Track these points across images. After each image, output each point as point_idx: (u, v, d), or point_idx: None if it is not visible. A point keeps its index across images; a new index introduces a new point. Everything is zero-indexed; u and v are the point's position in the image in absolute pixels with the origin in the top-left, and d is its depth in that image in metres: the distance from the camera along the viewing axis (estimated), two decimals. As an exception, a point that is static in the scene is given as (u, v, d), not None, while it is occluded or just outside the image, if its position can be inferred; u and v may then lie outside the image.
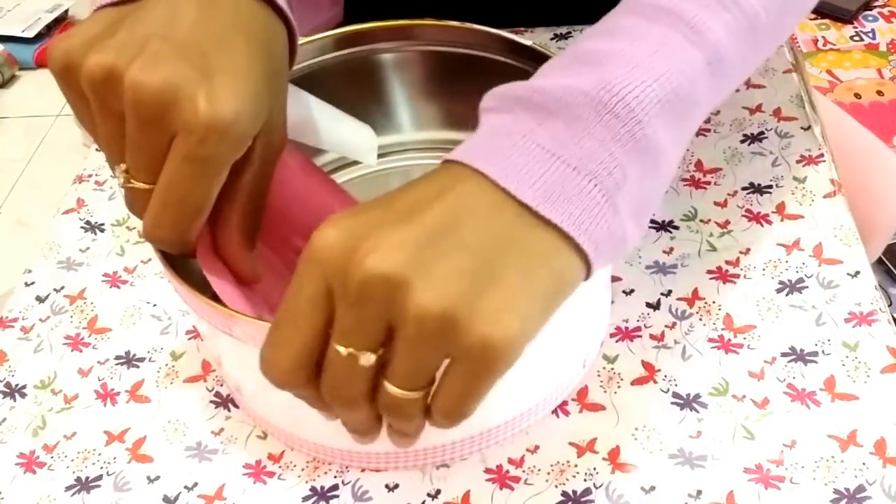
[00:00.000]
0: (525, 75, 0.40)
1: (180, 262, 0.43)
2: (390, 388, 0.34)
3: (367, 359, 0.33)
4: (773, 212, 0.58)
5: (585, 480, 0.47)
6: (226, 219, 0.42)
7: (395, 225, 0.33)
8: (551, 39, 0.72)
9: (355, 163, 0.61)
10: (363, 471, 0.49)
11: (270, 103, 0.41)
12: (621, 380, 0.51)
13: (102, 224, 0.65)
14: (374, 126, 0.61)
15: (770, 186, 0.60)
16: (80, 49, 0.38)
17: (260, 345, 0.42)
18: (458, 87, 0.58)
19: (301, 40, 0.54)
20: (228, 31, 0.39)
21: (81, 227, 0.64)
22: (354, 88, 0.59)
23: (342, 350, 0.33)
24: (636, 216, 0.36)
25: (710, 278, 0.55)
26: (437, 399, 0.34)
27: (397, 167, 0.62)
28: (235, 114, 0.38)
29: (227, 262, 0.43)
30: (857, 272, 0.54)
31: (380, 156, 0.61)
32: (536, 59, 0.51)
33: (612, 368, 0.51)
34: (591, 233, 0.34)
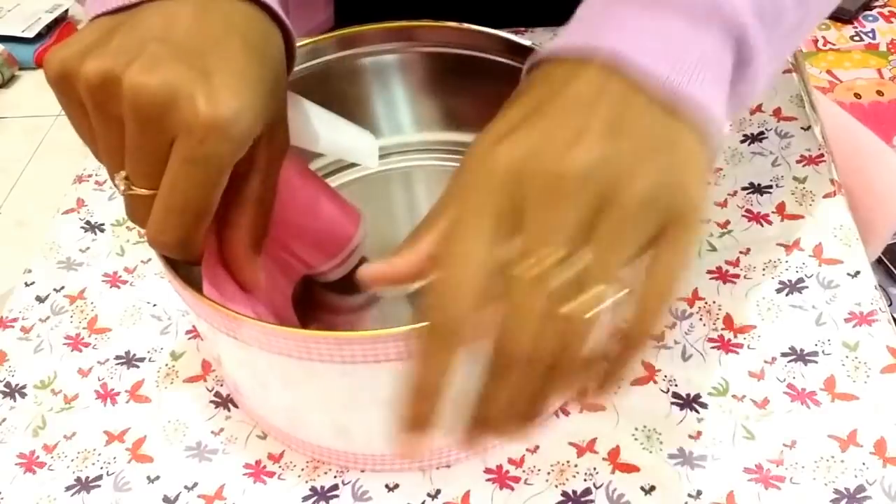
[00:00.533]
0: None
1: (181, 264, 0.43)
2: (592, 292, 0.33)
3: (582, 256, 0.32)
4: (773, 212, 0.58)
5: (585, 480, 0.47)
6: (234, 225, 0.42)
7: (575, 122, 0.33)
8: (551, 39, 0.71)
9: (355, 164, 0.61)
10: (363, 471, 0.49)
11: (270, 105, 0.41)
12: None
13: (102, 224, 0.65)
14: (376, 127, 0.61)
15: (770, 186, 0.60)
16: (77, 57, 0.38)
17: (265, 348, 0.42)
18: (459, 88, 0.58)
19: (301, 42, 0.54)
20: (224, 34, 0.39)
21: (81, 227, 0.64)
22: (355, 90, 0.59)
23: (550, 257, 0.32)
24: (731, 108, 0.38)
25: (710, 278, 0.55)
26: (653, 278, 0.34)
27: (398, 168, 0.62)
28: (236, 112, 0.37)
29: (233, 269, 0.43)
30: (857, 272, 0.54)
31: (381, 156, 0.61)
32: None
33: (612, 368, 0.51)
34: (713, 111, 0.35)
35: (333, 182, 0.61)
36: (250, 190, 0.41)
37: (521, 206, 0.33)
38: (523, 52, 0.53)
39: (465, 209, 0.33)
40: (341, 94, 0.58)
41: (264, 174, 0.42)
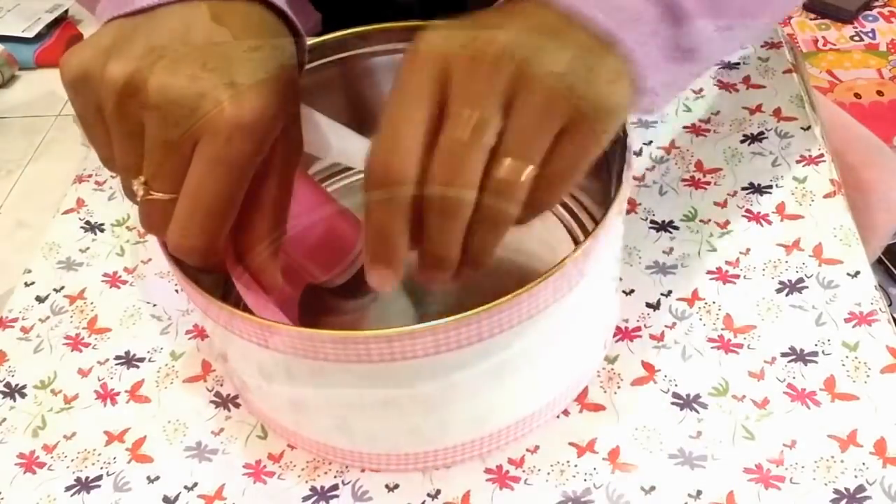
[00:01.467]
0: None
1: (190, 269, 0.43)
2: (507, 162, 0.35)
3: (496, 125, 0.35)
4: (773, 212, 0.58)
5: (585, 480, 0.47)
6: (253, 228, 0.42)
7: (505, 20, 0.36)
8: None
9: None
10: (363, 470, 0.49)
11: (287, 105, 0.41)
12: (621, 380, 0.51)
13: (102, 224, 0.65)
14: None
15: (770, 186, 0.60)
16: (97, 58, 0.38)
17: (300, 354, 0.41)
18: None
19: (317, 39, 0.54)
20: (242, 36, 0.40)
21: (81, 227, 0.64)
22: (370, 87, 0.59)
23: (467, 116, 0.35)
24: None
25: (710, 278, 0.55)
26: (550, 164, 0.36)
27: None
28: (260, 112, 0.38)
29: (254, 271, 0.43)
30: (857, 272, 0.54)
31: None
32: None
33: (612, 369, 0.51)
34: (637, 55, 0.37)
35: (341, 182, 0.62)
36: (267, 192, 0.41)
37: (449, 81, 0.35)
38: None
39: (403, 84, 0.36)
40: (356, 91, 0.58)
41: (280, 176, 0.42)
